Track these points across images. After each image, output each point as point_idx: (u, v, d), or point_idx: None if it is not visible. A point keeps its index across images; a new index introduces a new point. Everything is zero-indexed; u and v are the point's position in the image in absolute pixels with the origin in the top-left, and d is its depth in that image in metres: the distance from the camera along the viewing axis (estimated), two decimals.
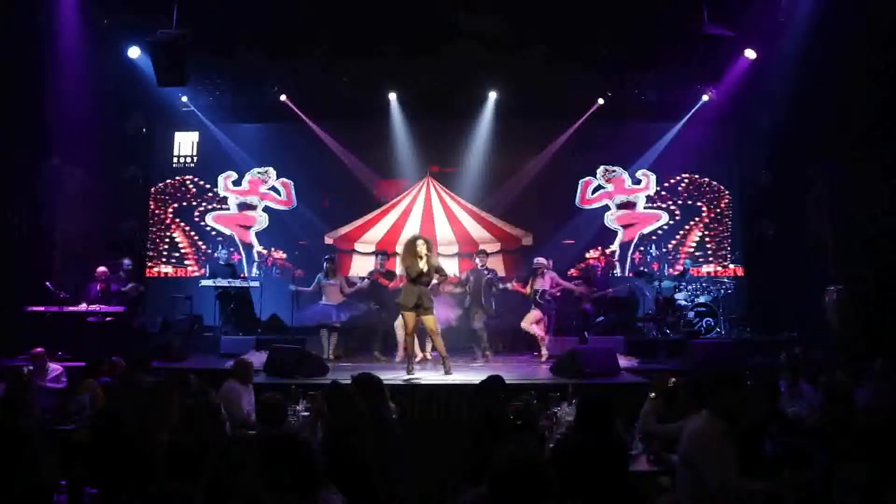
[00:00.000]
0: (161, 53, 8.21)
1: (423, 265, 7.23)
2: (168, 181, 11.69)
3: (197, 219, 11.68)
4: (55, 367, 6.84)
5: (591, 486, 3.23)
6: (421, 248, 7.27)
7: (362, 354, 9.29)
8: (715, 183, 11.64)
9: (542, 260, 9.10)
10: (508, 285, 9.24)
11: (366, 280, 9.57)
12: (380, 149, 11.44)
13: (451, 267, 11.12)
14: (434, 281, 7.48)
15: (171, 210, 11.65)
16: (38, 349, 6.71)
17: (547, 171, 11.46)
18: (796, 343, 8.54)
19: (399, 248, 11.39)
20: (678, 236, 11.60)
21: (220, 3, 8.97)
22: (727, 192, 11.59)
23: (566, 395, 5.16)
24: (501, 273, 10.78)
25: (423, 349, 8.65)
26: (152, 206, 11.64)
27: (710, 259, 11.49)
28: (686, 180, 11.66)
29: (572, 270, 11.04)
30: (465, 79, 10.60)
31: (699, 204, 11.62)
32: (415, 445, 5.17)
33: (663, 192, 11.68)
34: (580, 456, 3.39)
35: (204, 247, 11.61)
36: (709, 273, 11.32)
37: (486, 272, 9.17)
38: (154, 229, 11.60)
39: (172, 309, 10.34)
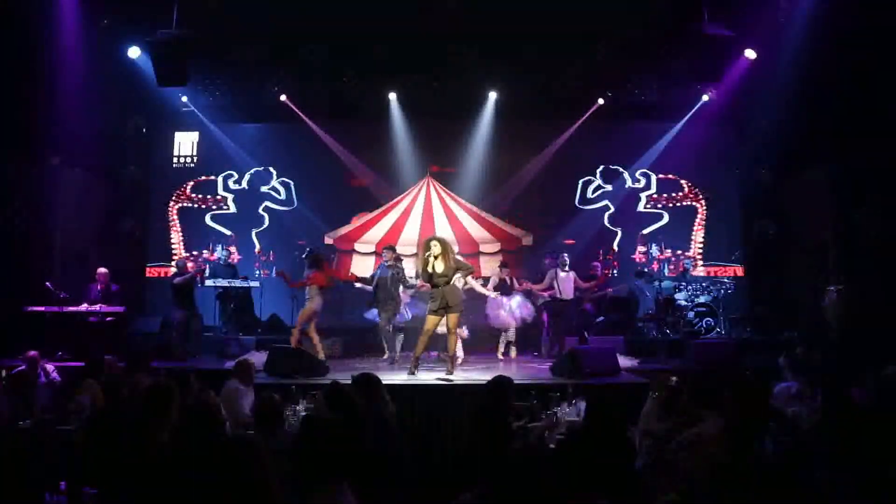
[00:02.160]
0: (161, 53, 8.21)
1: (433, 266, 7.18)
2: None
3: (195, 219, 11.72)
4: (47, 366, 6.86)
5: (596, 485, 3.22)
6: (434, 248, 7.21)
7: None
8: (684, 182, 11.68)
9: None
10: (417, 282, 8.88)
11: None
12: (380, 149, 11.45)
13: None
14: (458, 276, 7.40)
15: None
16: (32, 353, 6.70)
17: (547, 171, 11.47)
18: (797, 343, 8.52)
19: (399, 249, 11.50)
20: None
21: (220, 3, 8.98)
22: (702, 196, 11.64)
23: (566, 395, 5.17)
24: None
25: (392, 349, 8.65)
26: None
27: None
28: (673, 182, 11.71)
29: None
30: (465, 79, 10.60)
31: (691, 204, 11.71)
32: (415, 445, 5.17)
33: (663, 193, 11.70)
34: (586, 455, 3.39)
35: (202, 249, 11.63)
36: (707, 272, 11.33)
37: (397, 269, 8.79)
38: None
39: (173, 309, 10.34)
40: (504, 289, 9.13)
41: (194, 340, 9.00)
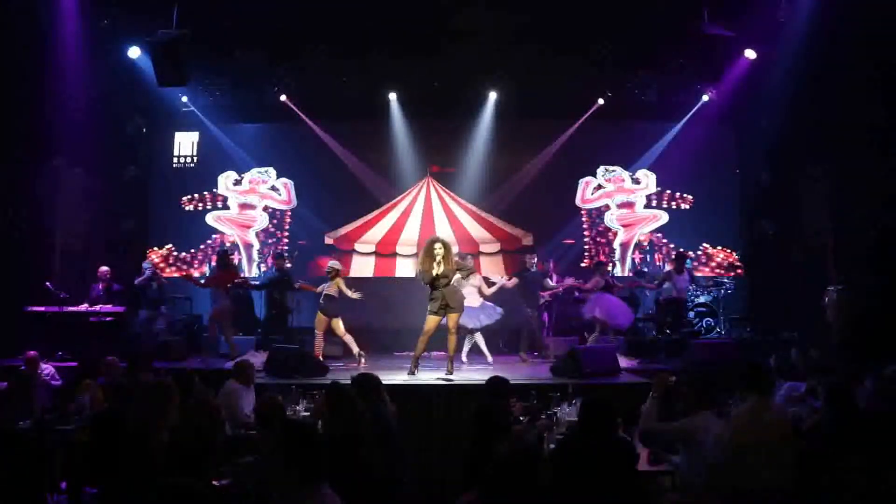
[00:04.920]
0: (161, 53, 8.22)
1: (437, 269, 7.15)
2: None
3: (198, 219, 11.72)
4: (47, 368, 6.86)
5: (594, 488, 3.23)
6: (438, 251, 7.18)
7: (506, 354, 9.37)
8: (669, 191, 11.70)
9: (335, 263, 8.92)
10: (297, 284, 9.22)
11: (512, 279, 9.28)
12: (380, 149, 11.45)
13: None
14: (458, 277, 7.43)
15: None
16: (31, 353, 6.70)
17: (547, 171, 11.47)
18: (796, 343, 8.52)
19: (399, 249, 11.51)
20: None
21: (220, 3, 8.98)
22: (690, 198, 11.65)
23: (566, 395, 5.16)
24: (503, 274, 10.78)
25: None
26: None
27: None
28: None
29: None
30: (465, 79, 10.60)
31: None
32: (415, 446, 5.17)
33: (663, 192, 11.70)
34: (583, 457, 3.39)
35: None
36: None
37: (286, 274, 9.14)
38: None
39: (172, 309, 10.34)
40: (606, 288, 9.10)
41: (152, 340, 8.98)
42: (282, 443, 2.58)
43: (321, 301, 8.51)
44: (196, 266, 11.44)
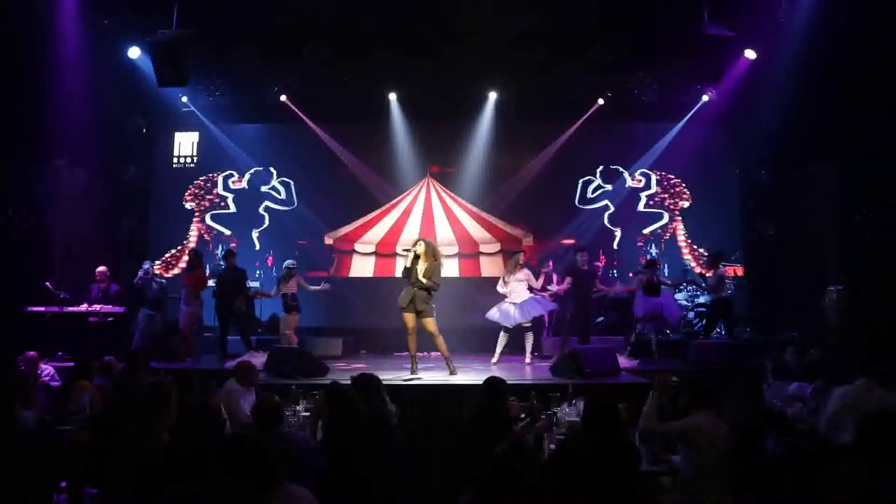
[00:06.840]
0: (161, 53, 8.22)
1: (417, 267, 7.17)
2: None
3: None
4: (46, 369, 6.85)
5: (596, 488, 3.22)
6: (417, 248, 7.23)
7: (506, 355, 9.20)
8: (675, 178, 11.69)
9: (290, 262, 9.05)
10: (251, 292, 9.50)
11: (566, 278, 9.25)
12: (380, 149, 11.45)
13: (452, 268, 11.12)
14: (424, 282, 7.25)
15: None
16: (31, 353, 6.70)
17: (547, 171, 11.46)
18: (796, 343, 8.53)
19: (399, 249, 11.50)
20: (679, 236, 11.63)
21: (220, 4, 8.99)
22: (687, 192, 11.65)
23: (566, 395, 5.16)
24: (501, 274, 10.74)
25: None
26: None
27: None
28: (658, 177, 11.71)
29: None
30: (465, 79, 10.60)
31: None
32: (416, 446, 5.16)
33: (663, 192, 11.70)
34: (585, 458, 3.38)
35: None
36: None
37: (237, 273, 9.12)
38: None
39: (173, 309, 10.33)
40: (651, 289, 9.09)
41: (149, 340, 8.98)
42: (224, 457, 2.58)
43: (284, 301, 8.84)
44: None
